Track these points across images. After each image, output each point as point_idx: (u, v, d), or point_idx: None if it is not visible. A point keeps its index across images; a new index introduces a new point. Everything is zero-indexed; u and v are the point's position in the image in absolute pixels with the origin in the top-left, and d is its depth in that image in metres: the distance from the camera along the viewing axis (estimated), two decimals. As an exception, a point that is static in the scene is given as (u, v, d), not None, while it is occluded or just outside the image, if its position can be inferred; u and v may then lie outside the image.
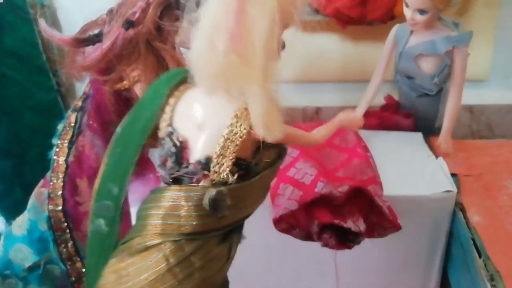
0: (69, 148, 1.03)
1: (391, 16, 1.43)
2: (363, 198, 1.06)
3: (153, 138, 0.82)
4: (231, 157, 0.74)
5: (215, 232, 0.77)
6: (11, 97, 1.45)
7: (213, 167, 0.75)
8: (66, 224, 1.00)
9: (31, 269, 1.08)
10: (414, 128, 1.38)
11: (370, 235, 1.08)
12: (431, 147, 1.31)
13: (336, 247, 1.05)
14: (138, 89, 1.07)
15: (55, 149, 1.03)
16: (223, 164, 0.74)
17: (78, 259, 1.02)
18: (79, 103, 1.10)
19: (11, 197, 1.45)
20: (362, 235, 1.04)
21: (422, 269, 1.23)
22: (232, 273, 0.85)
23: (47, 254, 1.06)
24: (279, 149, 0.81)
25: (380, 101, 1.45)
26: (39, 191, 1.08)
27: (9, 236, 1.11)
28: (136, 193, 0.93)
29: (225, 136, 0.73)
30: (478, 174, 1.23)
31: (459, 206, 1.15)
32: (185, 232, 0.75)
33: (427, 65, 1.28)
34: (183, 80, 0.82)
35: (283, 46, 0.77)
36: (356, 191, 1.05)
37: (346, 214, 1.04)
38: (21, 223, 1.09)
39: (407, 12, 1.22)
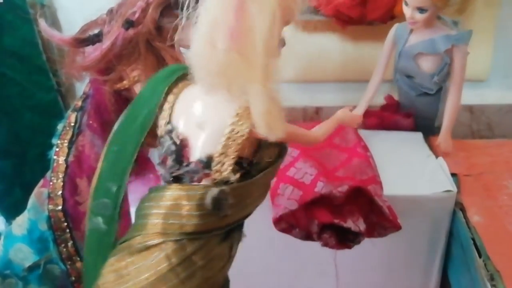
0: (69, 148, 1.03)
1: (391, 16, 1.42)
2: (363, 198, 1.06)
3: (153, 137, 0.82)
4: (233, 156, 0.73)
5: (216, 231, 0.77)
6: (11, 97, 1.45)
7: (214, 166, 0.74)
8: (66, 223, 1.01)
9: (31, 268, 1.08)
10: (414, 128, 1.38)
11: (370, 235, 1.08)
12: (431, 147, 1.31)
13: (336, 247, 1.05)
14: (138, 89, 1.07)
15: (55, 149, 1.03)
16: (224, 163, 0.74)
17: (78, 258, 1.02)
18: (79, 103, 1.10)
19: (11, 197, 1.45)
20: (362, 235, 1.04)
21: (422, 269, 1.23)
22: (232, 273, 0.85)
23: (47, 254, 1.06)
24: (280, 148, 0.80)
25: (380, 100, 1.45)
26: (39, 191, 1.08)
27: (9, 235, 1.11)
28: (136, 193, 0.93)
29: (227, 135, 0.73)
30: (478, 173, 1.23)
31: (459, 206, 1.15)
32: (187, 231, 0.74)
33: (427, 64, 1.28)
34: (182, 77, 0.82)
35: (283, 43, 0.77)
36: (356, 190, 1.05)
37: (346, 214, 1.04)
38: (21, 222, 1.09)
39: (407, 11, 1.22)
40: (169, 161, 0.78)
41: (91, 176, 0.84)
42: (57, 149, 1.03)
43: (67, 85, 1.60)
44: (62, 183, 1.01)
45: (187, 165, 0.77)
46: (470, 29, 1.24)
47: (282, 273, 1.26)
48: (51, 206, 1.00)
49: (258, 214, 0.84)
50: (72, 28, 1.15)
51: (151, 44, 1.04)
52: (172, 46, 1.10)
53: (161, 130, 0.80)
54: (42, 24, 1.08)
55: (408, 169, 1.21)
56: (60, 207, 1.00)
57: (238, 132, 0.73)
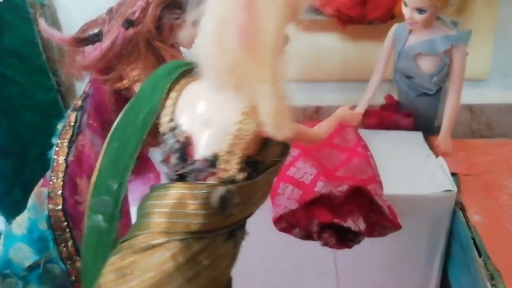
0: (69, 148, 1.03)
1: (391, 15, 1.43)
2: (363, 198, 1.06)
3: (152, 137, 0.82)
4: (239, 155, 0.73)
5: (221, 230, 0.77)
6: (11, 97, 1.45)
7: (220, 165, 0.74)
8: (66, 223, 1.01)
9: (31, 268, 1.08)
10: (414, 128, 1.38)
11: (370, 234, 1.08)
12: (431, 146, 1.31)
13: (336, 247, 1.05)
14: (137, 88, 1.06)
15: (55, 148, 1.03)
16: (231, 161, 0.73)
17: (78, 258, 1.02)
18: (79, 103, 1.10)
19: (11, 197, 1.45)
20: (362, 234, 1.04)
21: (422, 268, 1.23)
22: (232, 273, 0.85)
23: (47, 253, 1.06)
24: (283, 147, 0.80)
25: (380, 100, 1.45)
26: (39, 191, 1.08)
27: (9, 235, 1.11)
28: (135, 192, 0.92)
29: (233, 134, 0.72)
30: (478, 173, 1.23)
31: (459, 206, 1.15)
32: (192, 230, 0.74)
33: (426, 65, 1.28)
34: (183, 73, 0.81)
35: (287, 41, 0.77)
36: (356, 190, 1.05)
37: (346, 214, 1.04)
38: (21, 222, 1.09)
39: (406, 11, 1.22)
40: (173, 159, 0.78)
41: (91, 176, 0.84)
42: (57, 149, 1.03)
43: (67, 84, 1.60)
44: (62, 183, 1.01)
45: (191, 163, 0.76)
46: (470, 29, 1.24)
47: (282, 273, 1.26)
48: (51, 206, 1.00)
49: (258, 214, 0.84)
50: (72, 28, 1.15)
51: (151, 44, 1.04)
52: (172, 45, 1.10)
53: (163, 127, 0.79)
54: (42, 23, 1.08)
55: (408, 169, 1.21)
56: (60, 207, 1.00)
57: (245, 131, 0.72)
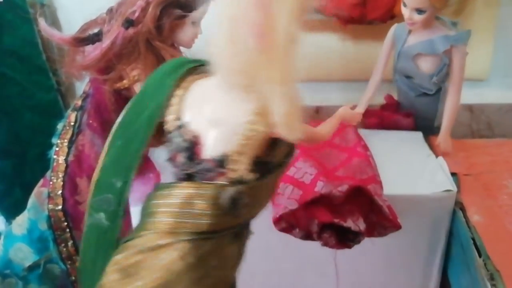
0: (69, 147, 1.03)
1: (391, 15, 1.43)
2: (363, 197, 1.06)
3: (153, 136, 0.81)
4: (249, 155, 0.72)
5: (229, 230, 0.76)
6: (11, 97, 1.45)
7: (230, 165, 0.73)
8: (66, 223, 1.00)
9: (31, 268, 1.08)
10: (414, 128, 1.38)
11: (370, 234, 1.08)
12: (431, 146, 1.31)
13: (336, 247, 1.05)
14: (137, 88, 1.06)
15: (55, 148, 1.03)
16: (240, 162, 0.72)
17: (78, 258, 1.02)
18: (79, 102, 1.10)
19: (11, 197, 1.45)
20: (362, 234, 1.04)
21: (422, 268, 1.23)
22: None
23: (47, 254, 1.06)
24: (289, 147, 0.79)
25: (380, 100, 1.45)
26: (39, 191, 1.08)
27: (9, 235, 1.11)
28: (135, 192, 0.92)
29: (243, 134, 0.71)
30: (478, 173, 1.23)
31: (459, 206, 1.15)
32: (200, 230, 0.73)
33: (426, 65, 1.28)
34: (189, 71, 0.80)
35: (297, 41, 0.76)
36: (356, 190, 1.05)
37: (346, 214, 1.04)
38: (21, 222, 1.09)
39: (405, 12, 1.22)
40: (180, 158, 0.76)
41: (91, 176, 0.84)
42: (57, 149, 1.03)
43: (67, 84, 1.60)
44: (62, 183, 1.01)
45: (199, 163, 0.75)
46: (469, 29, 1.24)
47: (282, 273, 1.26)
48: (51, 206, 1.00)
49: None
50: (72, 28, 1.15)
51: (151, 43, 1.04)
52: (172, 45, 1.10)
53: (169, 125, 0.77)
54: (42, 23, 1.08)
55: (408, 169, 1.21)
56: (60, 207, 1.00)
57: (255, 131, 0.71)
